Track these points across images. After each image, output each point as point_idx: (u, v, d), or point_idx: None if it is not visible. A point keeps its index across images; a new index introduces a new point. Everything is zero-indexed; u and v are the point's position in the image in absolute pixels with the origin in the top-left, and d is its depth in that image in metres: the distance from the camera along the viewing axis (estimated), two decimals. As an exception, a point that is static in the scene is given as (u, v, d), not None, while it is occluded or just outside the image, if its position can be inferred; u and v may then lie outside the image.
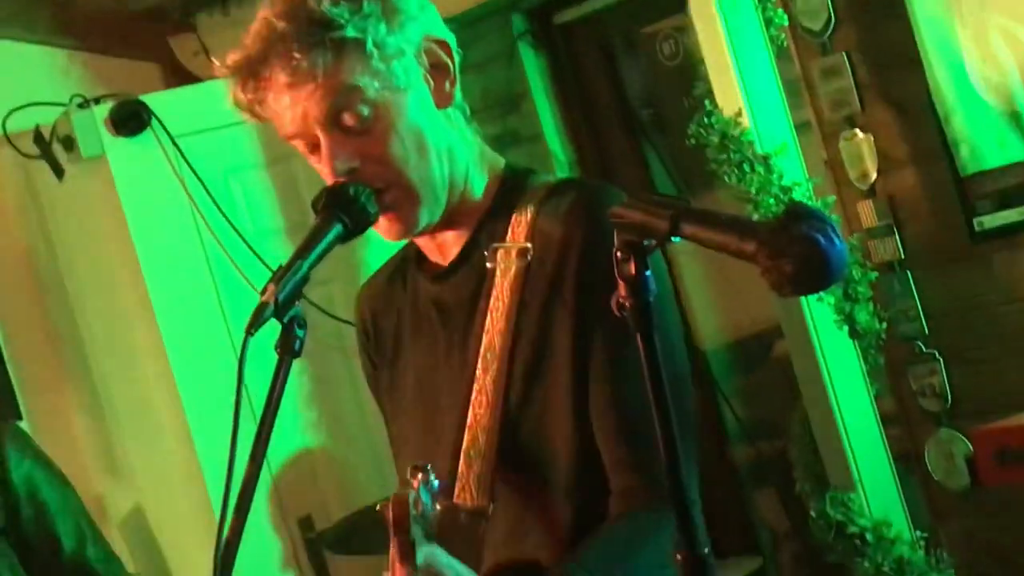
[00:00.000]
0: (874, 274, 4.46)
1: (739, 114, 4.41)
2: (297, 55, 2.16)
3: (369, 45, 2.18)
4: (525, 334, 2.24)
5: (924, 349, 4.45)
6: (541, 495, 2.26)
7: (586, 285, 2.17)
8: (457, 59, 2.33)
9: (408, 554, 2.00)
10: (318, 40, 2.16)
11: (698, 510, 2.19)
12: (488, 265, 2.28)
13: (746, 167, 4.37)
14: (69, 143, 5.00)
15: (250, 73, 2.22)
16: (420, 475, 2.05)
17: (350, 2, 2.18)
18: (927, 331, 4.45)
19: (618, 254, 1.82)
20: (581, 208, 2.22)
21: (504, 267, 2.27)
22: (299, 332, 2.08)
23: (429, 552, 2.05)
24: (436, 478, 2.08)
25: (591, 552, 2.17)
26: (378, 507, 2.04)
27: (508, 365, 2.24)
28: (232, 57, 2.23)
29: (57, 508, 3.71)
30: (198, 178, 4.98)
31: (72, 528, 3.73)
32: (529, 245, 2.26)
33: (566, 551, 2.22)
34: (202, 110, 5.04)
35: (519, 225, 2.29)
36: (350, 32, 2.16)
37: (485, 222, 2.35)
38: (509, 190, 2.37)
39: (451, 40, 2.33)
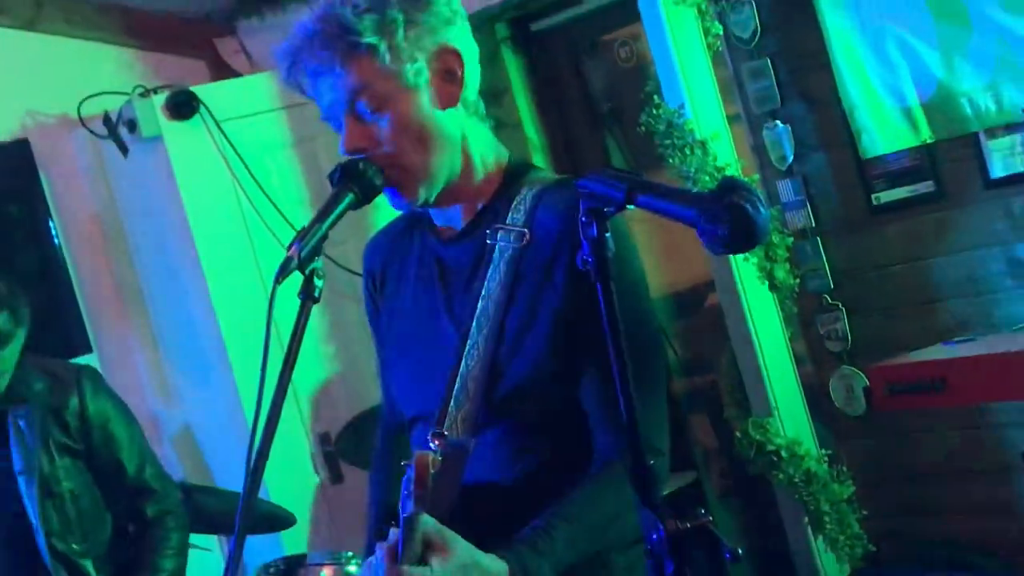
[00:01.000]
0: (790, 239, 4.47)
1: (681, 107, 4.39)
2: (321, 52, 2.17)
3: (383, 50, 2.17)
4: (516, 304, 2.22)
5: (830, 301, 4.46)
6: (515, 433, 2.23)
7: (576, 275, 2.09)
8: (469, 67, 2.28)
9: (424, 501, 2.00)
10: (339, 42, 2.16)
11: (664, 461, 2.19)
12: (488, 242, 2.26)
13: (687, 150, 4.36)
14: (132, 126, 5.00)
15: (289, 60, 2.23)
16: (438, 441, 2.08)
17: (375, 12, 2.17)
18: (832, 286, 4.45)
19: (583, 218, 1.81)
20: (576, 209, 2.20)
21: (503, 245, 2.24)
22: (318, 282, 2.07)
23: (429, 523, 2.04)
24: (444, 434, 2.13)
25: (565, 511, 2.14)
26: (403, 463, 2.05)
27: (500, 327, 2.22)
28: (280, 46, 2.24)
29: (123, 438, 3.73)
30: (238, 155, 4.98)
31: (135, 455, 3.74)
32: (527, 231, 2.23)
33: (531, 479, 2.22)
34: (242, 99, 5.10)
35: (517, 211, 2.26)
36: (367, 39, 2.15)
37: (489, 204, 2.31)
38: (510, 180, 2.33)
39: (470, 52, 2.29)
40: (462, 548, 2.05)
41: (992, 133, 4.02)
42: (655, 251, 5.30)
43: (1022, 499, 4.06)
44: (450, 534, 2.05)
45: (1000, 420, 4.11)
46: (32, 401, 3.57)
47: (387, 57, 2.18)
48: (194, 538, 4.05)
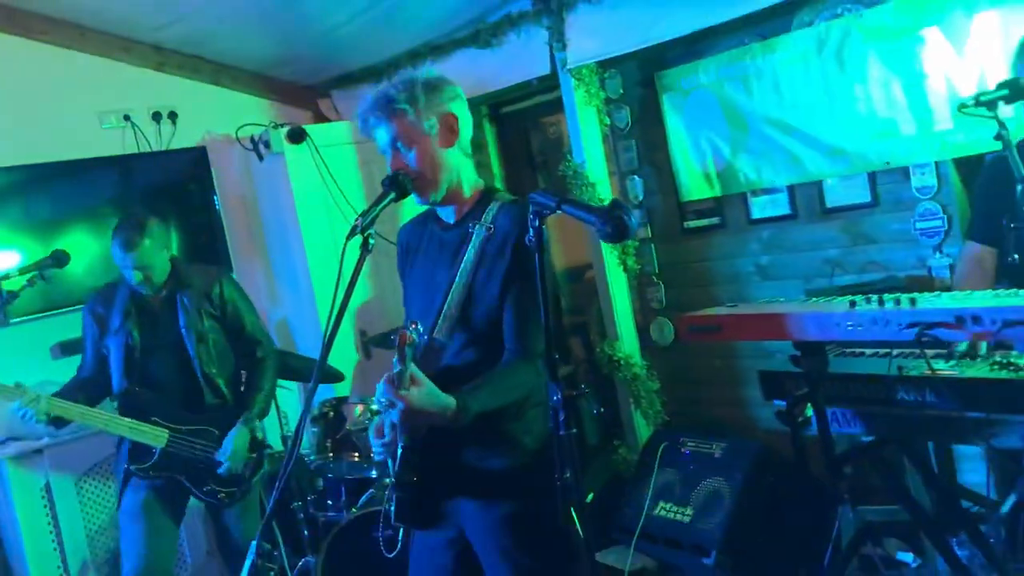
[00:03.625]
0: (637, 243, 4.47)
1: (582, 163, 4.37)
2: (377, 114, 2.19)
3: (412, 113, 2.18)
4: (481, 267, 2.22)
5: (655, 280, 4.47)
6: (474, 339, 2.23)
7: (517, 254, 2.17)
8: (463, 126, 2.28)
9: (404, 359, 2.01)
10: (387, 107, 2.18)
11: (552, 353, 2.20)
12: (469, 231, 2.26)
13: (584, 188, 4.35)
14: (266, 144, 4.94)
15: (361, 120, 2.24)
16: (414, 325, 2.07)
17: (407, 90, 2.19)
18: (657, 271, 4.47)
19: (531, 216, 1.81)
20: (520, 217, 2.20)
21: (476, 234, 2.24)
22: (372, 241, 2.09)
23: (412, 367, 2.06)
24: (422, 326, 2.11)
25: (486, 379, 2.16)
26: (391, 336, 2.06)
27: (472, 279, 2.22)
28: (358, 107, 2.24)
29: (244, 310, 3.68)
30: (327, 168, 4.91)
31: (251, 321, 3.70)
32: (492, 226, 2.24)
33: (480, 363, 2.21)
34: (332, 136, 5.02)
35: (487, 215, 2.26)
36: (401, 106, 2.17)
37: (471, 209, 2.31)
38: (484, 196, 2.33)
39: (465, 117, 2.29)
40: (430, 385, 2.07)
41: (755, 193, 4.05)
42: (559, 243, 5.31)
43: (753, 399, 4.11)
44: (425, 378, 2.08)
45: (746, 353, 4.16)
46: (192, 287, 3.56)
47: (416, 117, 2.19)
48: (281, 381, 4.05)
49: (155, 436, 3.45)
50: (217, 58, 5.08)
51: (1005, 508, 2.83)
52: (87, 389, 3.56)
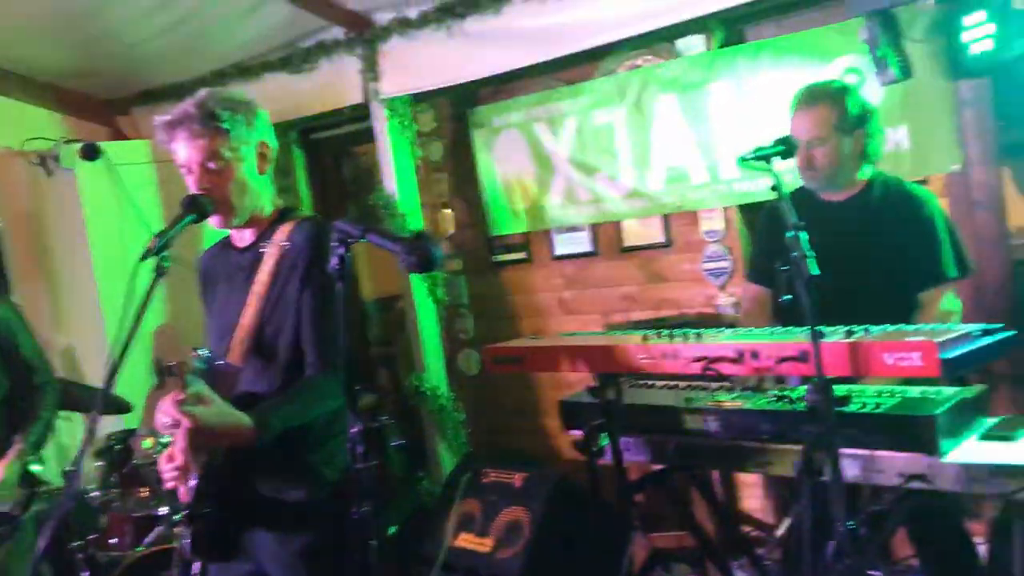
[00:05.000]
0: (447, 274, 4.47)
1: (394, 193, 4.33)
2: (195, 126, 2.07)
3: (233, 133, 2.10)
4: (275, 285, 2.15)
5: (465, 312, 4.49)
6: (269, 363, 2.16)
7: (309, 269, 2.11)
8: (274, 154, 2.23)
9: (184, 386, 1.95)
10: (209, 122, 2.08)
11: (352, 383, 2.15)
12: (262, 250, 2.19)
13: (395, 220, 4.31)
14: (56, 159, 4.61)
15: (170, 127, 2.11)
16: (195, 353, 2.02)
17: (231, 109, 2.11)
18: (467, 303, 4.50)
19: (335, 243, 1.77)
20: (313, 233, 2.16)
21: (271, 252, 2.17)
22: (165, 264, 1.98)
23: (199, 386, 1.98)
24: (210, 351, 2.06)
25: (286, 395, 2.10)
26: (174, 363, 1.98)
27: (264, 299, 2.15)
28: (164, 117, 2.12)
29: (19, 332, 3.37)
30: (123, 185, 4.62)
31: (26, 341, 3.38)
32: (287, 244, 2.17)
33: (277, 390, 2.14)
34: (130, 154, 4.74)
35: (282, 233, 2.20)
36: (225, 124, 2.09)
37: (266, 230, 2.24)
38: (280, 216, 2.26)
39: (275, 146, 2.24)
40: (221, 402, 1.99)
41: (559, 230, 4.16)
42: (367, 271, 5.25)
43: (555, 429, 4.19)
44: (215, 396, 1.99)
45: (549, 384, 4.25)
46: None
47: (232, 138, 2.10)
48: (64, 412, 3.74)
49: None
50: (2, 64, 4.69)
51: (780, 531, 3.01)
52: None
